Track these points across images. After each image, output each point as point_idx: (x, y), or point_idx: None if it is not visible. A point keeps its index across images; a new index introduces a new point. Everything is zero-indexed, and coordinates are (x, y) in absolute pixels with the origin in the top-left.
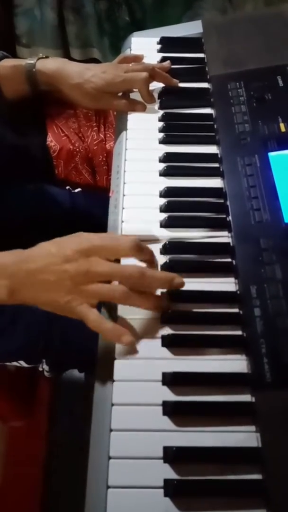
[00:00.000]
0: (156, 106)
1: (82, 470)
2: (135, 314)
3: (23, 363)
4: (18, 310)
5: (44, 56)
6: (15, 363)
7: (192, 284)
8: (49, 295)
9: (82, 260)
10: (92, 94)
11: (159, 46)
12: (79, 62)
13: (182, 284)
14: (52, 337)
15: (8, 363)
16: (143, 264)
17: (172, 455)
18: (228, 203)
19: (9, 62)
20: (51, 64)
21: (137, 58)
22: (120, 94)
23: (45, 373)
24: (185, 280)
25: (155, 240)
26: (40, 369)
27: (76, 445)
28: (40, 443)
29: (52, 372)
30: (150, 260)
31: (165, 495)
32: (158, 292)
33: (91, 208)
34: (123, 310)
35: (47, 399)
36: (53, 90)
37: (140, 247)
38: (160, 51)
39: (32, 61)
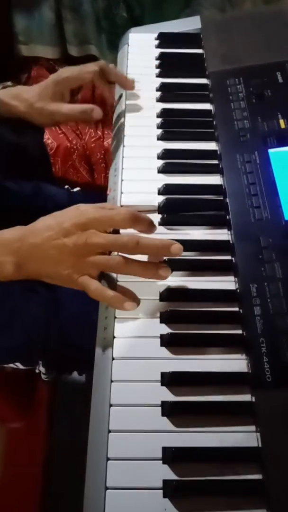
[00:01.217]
0: (154, 102)
1: (82, 471)
2: (133, 314)
3: (19, 365)
4: (15, 309)
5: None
6: (11, 365)
7: (192, 282)
8: (52, 268)
9: (79, 234)
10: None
11: (157, 42)
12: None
13: (180, 250)
14: (50, 337)
15: (5, 365)
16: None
17: (171, 456)
18: (227, 200)
19: None
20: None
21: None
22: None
23: (42, 376)
24: (184, 278)
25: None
26: (37, 371)
27: (76, 446)
28: (40, 444)
29: (49, 374)
30: (148, 230)
31: (164, 496)
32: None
33: None
34: (121, 311)
35: (46, 400)
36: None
37: (135, 217)
38: (158, 46)
39: None
